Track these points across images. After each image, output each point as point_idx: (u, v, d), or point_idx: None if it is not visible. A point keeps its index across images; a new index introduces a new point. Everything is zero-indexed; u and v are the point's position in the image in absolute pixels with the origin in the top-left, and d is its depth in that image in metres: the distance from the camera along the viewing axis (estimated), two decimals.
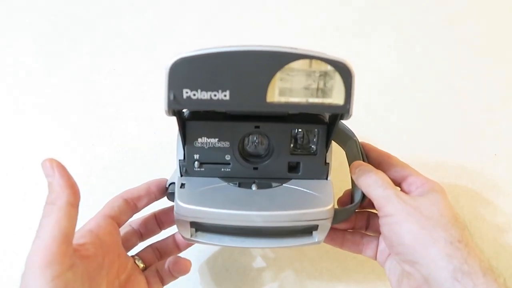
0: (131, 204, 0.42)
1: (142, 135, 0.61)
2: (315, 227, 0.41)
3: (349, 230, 0.47)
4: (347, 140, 0.47)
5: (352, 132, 0.47)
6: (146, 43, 0.68)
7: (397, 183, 0.43)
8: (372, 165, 0.43)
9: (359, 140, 0.47)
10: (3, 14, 0.70)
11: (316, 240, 0.42)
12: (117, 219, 0.41)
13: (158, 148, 0.60)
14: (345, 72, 0.34)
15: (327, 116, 0.43)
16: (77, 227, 0.38)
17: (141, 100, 0.64)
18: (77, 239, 0.36)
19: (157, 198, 0.44)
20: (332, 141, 0.44)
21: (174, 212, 0.40)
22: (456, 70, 0.66)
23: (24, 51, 0.67)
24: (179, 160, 0.42)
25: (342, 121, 0.48)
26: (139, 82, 0.65)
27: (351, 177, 0.44)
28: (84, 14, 0.70)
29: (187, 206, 0.39)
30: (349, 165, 0.44)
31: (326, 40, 0.68)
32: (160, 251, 0.46)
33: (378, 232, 0.45)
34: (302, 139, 0.42)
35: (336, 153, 0.48)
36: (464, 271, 0.34)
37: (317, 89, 0.34)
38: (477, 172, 0.59)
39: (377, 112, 0.63)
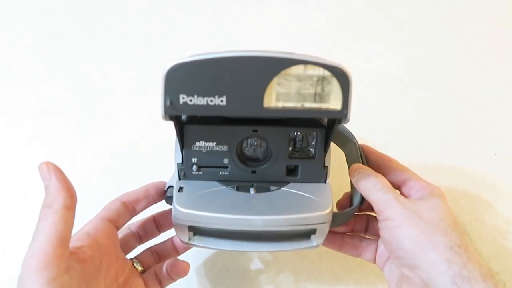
0: (130, 207, 0.42)
1: (142, 135, 0.61)
2: (313, 231, 0.41)
3: (348, 233, 0.47)
4: (347, 142, 0.47)
5: (352, 134, 0.47)
6: (146, 43, 0.68)
7: (397, 187, 0.43)
8: (372, 168, 0.43)
9: (359, 142, 0.47)
10: (3, 14, 0.70)
11: (314, 244, 0.42)
12: (115, 221, 0.41)
13: (158, 148, 0.60)
14: (342, 77, 0.34)
15: (325, 119, 0.43)
16: (76, 228, 0.38)
17: (141, 100, 0.64)
18: (74, 242, 0.36)
19: (155, 201, 0.44)
20: (332, 143, 0.44)
21: (172, 216, 0.40)
22: (456, 70, 0.66)
23: (24, 51, 0.67)
24: (177, 163, 0.42)
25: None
26: (139, 82, 0.65)
27: (350, 180, 0.44)
28: (84, 14, 0.70)
29: (185, 211, 0.39)
30: (349, 168, 0.44)
31: (326, 40, 0.68)
32: (159, 254, 0.46)
33: (377, 236, 0.45)
34: (301, 143, 0.42)
35: (336, 153, 0.48)
36: (464, 276, 0.34)
37: (315, 94, 0.34)
38: (477, 173, 0.59)
39: (377, 112, 0.63)
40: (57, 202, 0.33)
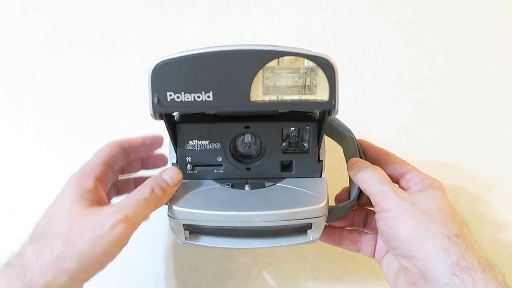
0: (125, 154, 0.44)
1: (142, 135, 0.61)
2: (309, 226, 0.41)
3: (346, 228, 0.47)
4: (344, 138, 0.47)
5: (349, 130, 0.47)
6: (146, 43, 0.68)
7: (395, 180, 0.42)
8: (370, 162, 0.43)
9: (358, 139, 0.47)
10: (3, 14, 0.70)
11: (311, 239, 0.42)
12: (112, 166, 0.43)
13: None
14: (328, 68, 0.34)
15: (317, 113, 0.43)
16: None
17: (141, 100, 0.63)
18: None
19: (151, 150, 0.46)
20: (331, 140, 0.44)
21: (168, 215, 0.40)
22: (456, 70, 0.66)
23: (24, 51, 0.67)
24: (172, 163, 0.42)
25: (340, 119, 0.48)
26: (139, 82, 0.65)
27: (349, 175, 0.44)
28: (84, 14, 0.70)
29: (180, 209, 0.39)
30: (347, 163, 0.44)
31: (326, 40, 0.68)
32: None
33: (375, 230, 0.45)
34: (296, 138, 0.42)
35: (337, 154, 0.48)
36: (462, 266, 0.34)
37: (302, 86, 0.35)
38: (477, 172, 0.59)
39: (377, 112, 0.63)
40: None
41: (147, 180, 0.40)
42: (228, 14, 0.70)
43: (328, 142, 0.45)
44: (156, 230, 0.55)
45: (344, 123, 0.48)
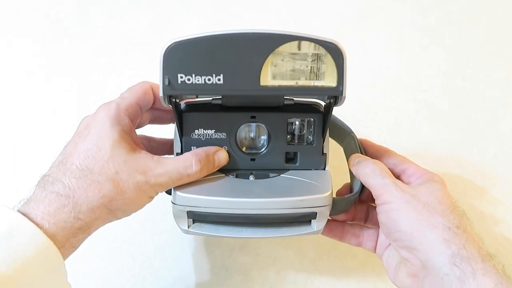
0: (153, 99, 0.43)
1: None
2: (314, 215, 0.41)
3: (348, 222, 0.47)
4: (345, 136, 0.47)
5: (350, 128, 0.48)
6: (146, 43, 0.68)
7: (396, 176, 0.43)
8: None
9: (358, 138, 0.47)
10: (3, 14, 0.70)
11: (315, 229, 0.42)
12: (141, 109, 0.43)
13: None
14: (336, 53, 0.34)
15: (322, 105, 0.43)
16: None
17: None
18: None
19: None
20: (330, 139, 0.44)
21: (172, 203, 0.40)
22: (456, 70, 0.66)
23: (24, 51, 0.67)
24: (177, 153, 0.43)
25: (339, 117, 0.49)
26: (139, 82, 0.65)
27: (350, 171, 0.44)
28: (84, 14, 0.70)
29: (184, 195, 0.39)
30: (347, 160, 0.44)
31: None
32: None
33: (377, 225, 0.45)
34: (300, 131, 0.43)
35: (337, 153, 0.48)
36: (462, 256, 0.34)
37: (310, 71, 0.35)
38: (477, 172, 0.59)
39: (377, 112, 0.63)
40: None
41: (198, 153, 0.40)
42: (228, 14, 0.70)
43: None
44: (156, 231, 0.56)
45: (343, 120, 0.49)
